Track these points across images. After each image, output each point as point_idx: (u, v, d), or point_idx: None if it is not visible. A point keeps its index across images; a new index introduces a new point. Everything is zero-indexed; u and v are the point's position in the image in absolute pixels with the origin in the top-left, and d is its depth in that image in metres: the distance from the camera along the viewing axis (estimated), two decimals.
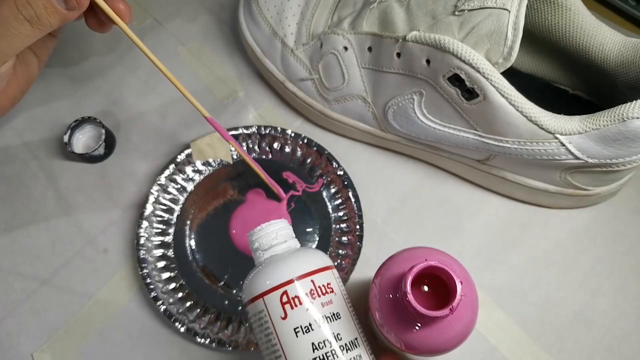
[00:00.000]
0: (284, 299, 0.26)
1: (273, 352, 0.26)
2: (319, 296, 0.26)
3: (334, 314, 0.26)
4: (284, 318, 0.26)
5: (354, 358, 0.26)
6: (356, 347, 0.26)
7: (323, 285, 0.27)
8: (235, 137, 0.43)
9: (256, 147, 0.43)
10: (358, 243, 0.39)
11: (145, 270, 0.39)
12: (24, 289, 0.40)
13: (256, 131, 0.43)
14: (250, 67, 0.48)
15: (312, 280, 0.26)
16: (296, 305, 0.26)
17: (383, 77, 0.38)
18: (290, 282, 0.26)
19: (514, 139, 0.35)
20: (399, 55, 0.36)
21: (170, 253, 0.40)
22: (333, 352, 0.25)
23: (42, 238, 0.42)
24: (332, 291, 0.27)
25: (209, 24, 0.50)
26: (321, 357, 0.25)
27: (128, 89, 0.47)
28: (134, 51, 0.48)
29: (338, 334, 0.26)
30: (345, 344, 0.26)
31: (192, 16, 0.50)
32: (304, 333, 0.25)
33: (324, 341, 0.25)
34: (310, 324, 0.26)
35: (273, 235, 0.28)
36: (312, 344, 0.25)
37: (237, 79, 0.47)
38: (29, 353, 0.38)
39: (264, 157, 0.43)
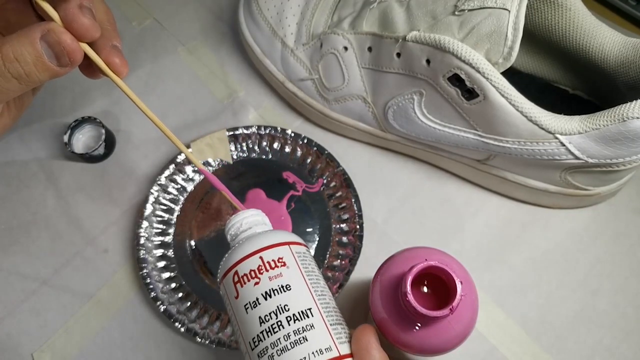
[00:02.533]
0: (235, 278, 0.27)
1: (236, 331, 0.27)
2: (267, 270, 0.27)
3: (282, 286, 0.27)
4: (237, 297, 0.27)
5: (303, 328, 0.26)
6: (308, 317, 0.26)
7: (273, 260, 0.27)
8: (235, 137, 0.43)
9: (256, 147, 0.43)
10: (358, 243, 0.39)
11: (145, 270, 0.39)
12: (24, 289, 0.40)
13: (256, 131, 0.43)
14: (250, 67, 0.48)
15: (260, 257, 0.27)
16: (245, 283, 0.27)
17: (383, 77, 0.38)
18: (239, 261, 0.27)
19: (514, 139, 0.34)
20: (399, 55, 0.36)
21: (170, 253, 0.40)
22: (279, 323, 0.26)
23: (42, 238, 0.42)
24: (284, 264, 0.27)
25: (209, 24, 0.50)
26: (267, 330, 0.26)
27: None
28: (134, 52, 0.48)
29: (285, 306, 0.26)
30: (294, 315, 0.26)
31: (192, 16, 0.50)
32: (252, 308, 0.26)
33: (269, 313, 0.26)
34: (257, 299, 0.26)
35: (238, 225, 0.30)
36: (259, 317, 0.26)
37: (237, 79, 0.47)
38: (29, 353, 0.38)
39: (263, 157, 0.43)
